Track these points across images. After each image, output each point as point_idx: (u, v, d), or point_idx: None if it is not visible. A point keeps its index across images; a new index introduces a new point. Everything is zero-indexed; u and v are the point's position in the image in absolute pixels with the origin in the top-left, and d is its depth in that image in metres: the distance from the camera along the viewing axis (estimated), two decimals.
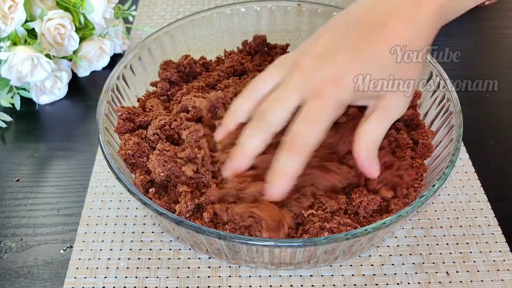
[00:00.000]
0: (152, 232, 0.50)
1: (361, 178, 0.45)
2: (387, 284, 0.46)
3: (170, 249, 0.49)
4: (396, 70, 0.40)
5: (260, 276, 0.46)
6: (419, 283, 0.46)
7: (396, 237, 0.50)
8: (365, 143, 0.41)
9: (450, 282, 0.46)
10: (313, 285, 0.46)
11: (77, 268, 0.47)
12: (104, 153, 0.46)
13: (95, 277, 0.47)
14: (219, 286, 0.46)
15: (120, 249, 0.49)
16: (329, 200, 0.43)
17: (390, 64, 0.40)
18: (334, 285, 0.46)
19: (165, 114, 0.52)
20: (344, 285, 0.46)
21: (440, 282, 0.46)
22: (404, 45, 0.39)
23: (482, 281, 0.46)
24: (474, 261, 0.48)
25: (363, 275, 0.47)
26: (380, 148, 0.43)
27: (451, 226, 0.51)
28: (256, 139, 0.40)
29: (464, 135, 0.48)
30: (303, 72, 0.40)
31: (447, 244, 0.49)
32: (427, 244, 0.49)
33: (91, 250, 0.49)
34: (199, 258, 0.48)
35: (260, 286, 0.46)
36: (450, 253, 0.48)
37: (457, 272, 0.47)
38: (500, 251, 0.48)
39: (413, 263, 0.47)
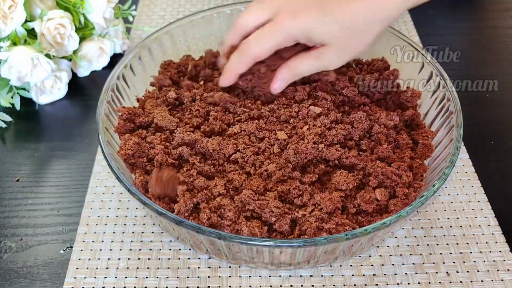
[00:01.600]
0: (152, 232, 0.50)
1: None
2: (387, 284, 0.46)
3: (170, 249, 0.49)
4: (350, 34, 0.46)
5: (260, 276, 0.46)
6: (419, 283, 0.46)
7: (396, 237, 0.50)
8: (286, 71, 0.50)
9: (450, 282, 0.46)
10: (313, 285, 0.46)
11: (77, 268, 0.47)
12: (104, 153, 0.46)
13: (95, 277, 0.47)
14: (219, 286, 0.46)
15: (120, 249, 0.49)
16: (324, 201, 0.43)
17: (348, 26, 0.46)
18: (334, 285, 0.46)
19: (169, 118, 0.52)
20: (344, 285, 0.46)
21: (440, 282, 0.46)
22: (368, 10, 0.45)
23: (482, 281, 0.46)
24: (474, 261, 0.48)
25: (363, 275, 0.47)
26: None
27: (451, 226, 0.51)
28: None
29: (464, 135, 0.48)
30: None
31: (447, 244, 0.49)
32: (427, 244, 0.49)
33: (91, 250, 0.49)
34: (199, 258, 0.48)
35: (260, 286, 0.46)
36: (450, 253, 0.48)
37: (457, 272, 0.47)
38: (500, 251, 0.48)
39: (413, 263, 0.47)
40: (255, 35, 0.49)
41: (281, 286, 0.46)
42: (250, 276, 0.46)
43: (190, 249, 0.49)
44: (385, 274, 0.47)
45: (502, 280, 0.46)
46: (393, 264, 0.47)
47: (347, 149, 0.48)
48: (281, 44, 0.48)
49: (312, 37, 0.47)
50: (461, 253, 0.48)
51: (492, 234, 0.50)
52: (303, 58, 0.49)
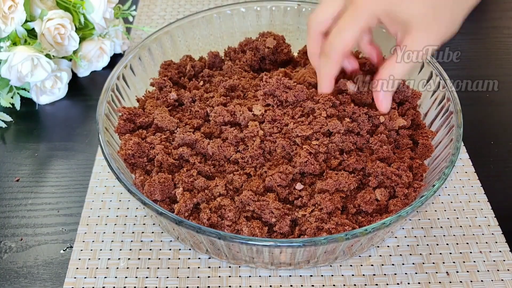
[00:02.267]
0: (152, 232, 0.50)
1: None
2: (387, 284, 0.46)
3: (170, 249, 0.49)
4: (438, 10, 0.42)
5: (260, 276, 0.46)
6: (419, 283, 0.46)
7: (396, 237, 0.50)
8: (383, 83, 0.46)
9: (450, 282, 0.46)
10: (313, 285, 0.46)
11: (77, 268, 0.47)
12: (104, 153, 0.46)
13: (95, 277, 0.47)
14: (219, 286, 0.46)
15: (120, 249, 0.49)
16: (324, 201, 0.43)
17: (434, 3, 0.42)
18: (334, 285, 0.46)
19: (169, 119, 0.52)
20: (344, 285, 0.46)
21: (440, 282, 0.46)
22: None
23: (482, 281, 0.46)
24: (474, 261, 0.48)
25: (363, 275, 0.47)
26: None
27: (451, 226, 0.51)
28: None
29: (464, 135, 0.48)
30: None
31: (447, 244, 0.49)
32: (427, 244, 0.49)
33: (91, 250, 0.49)
34: (199, 258, 0.48)
35: (260, 286, 0.46)
36: (450, 253, 0.48)
37: (457, 272, 0.47)
38: (500, 251, 0.48)
39: (413, 263, 0.47)
40: (335, 27, 0.44)
41: (281, 286, 0.46)
42: (250, 276, 0.47)
43: (190, 249, 0.49)
44: (385, 274, 0.47)
45: (502, 280, 0.46)
46: (393, 264, 0.47)
47: (345, 154, 0.48)
48: (364, 28, 0.44)
49: (396, 13, 0.42)
50: (461, 253, 0.48)
51: (492, 234, 0.50)
52: (391, 61, 0.45)
